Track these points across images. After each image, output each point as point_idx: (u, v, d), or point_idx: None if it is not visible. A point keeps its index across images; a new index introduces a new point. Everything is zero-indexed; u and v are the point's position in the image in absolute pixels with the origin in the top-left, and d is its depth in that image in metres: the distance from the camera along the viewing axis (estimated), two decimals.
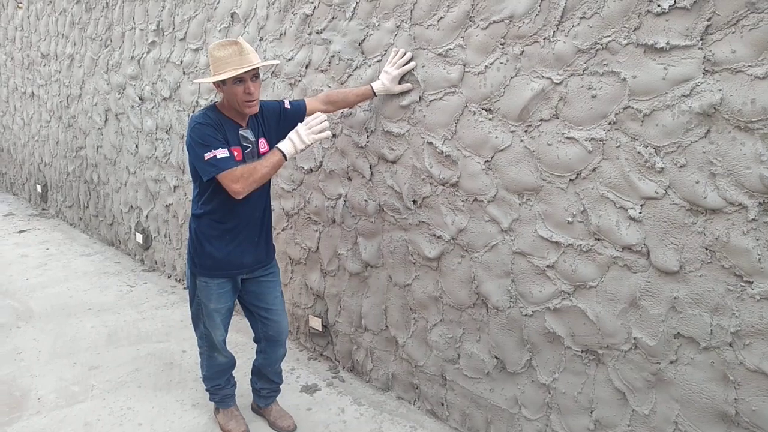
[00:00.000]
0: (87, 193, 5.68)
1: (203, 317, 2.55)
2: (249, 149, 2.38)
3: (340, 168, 3.04)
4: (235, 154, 2.31)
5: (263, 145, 2.45)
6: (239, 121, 2.38)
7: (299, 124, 2.34)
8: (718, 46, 1.73)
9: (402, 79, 2.63)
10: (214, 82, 2.28)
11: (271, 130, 2.53)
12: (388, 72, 2.61)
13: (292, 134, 2.31)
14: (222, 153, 2.22)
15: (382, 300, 2.97)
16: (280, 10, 3.20)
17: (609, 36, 1.95)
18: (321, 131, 2.32)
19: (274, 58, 3.28)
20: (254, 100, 2.30)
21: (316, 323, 3.38)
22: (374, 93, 2.67)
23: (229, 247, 2.44)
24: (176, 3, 4.01)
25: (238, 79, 2.24)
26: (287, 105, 2.59)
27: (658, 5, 1.83)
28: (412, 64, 2.58)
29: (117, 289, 4.45)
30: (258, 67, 2.27)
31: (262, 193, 2.49)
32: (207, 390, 2.77)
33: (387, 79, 2.62)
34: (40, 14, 5.79)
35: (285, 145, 2.29)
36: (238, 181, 2.21)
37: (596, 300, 2.13)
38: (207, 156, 2.22)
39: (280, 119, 2.56)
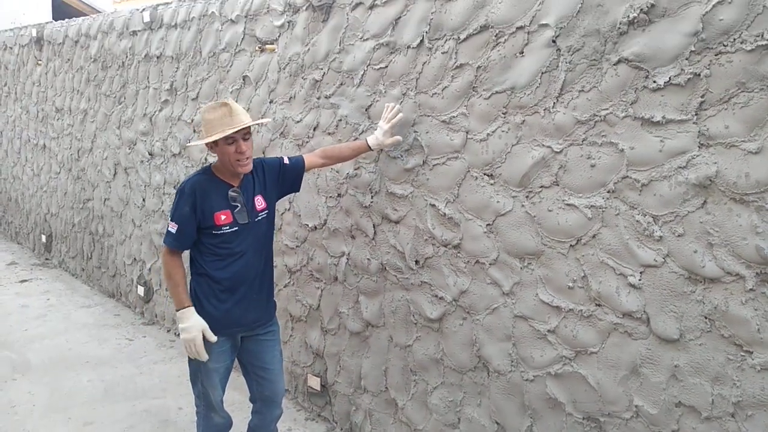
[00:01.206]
0: (91, 244, 5.72)
1: (201, 376, 2.53)
2: (238, 209, 2.45)
3: (344, 226, 3.08)
4: (223, 217, 2.41)
5: (260, 202, 2.52)
6: (231, 182, 2.46)
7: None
8: (712, 122, 1.81)
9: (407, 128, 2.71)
10: (207, 144, 2.37)
11: (271, 187, 2.60)
12: (381, 126, 2.69)
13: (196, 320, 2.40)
14: (172, 227, 2.42)
15: (383, 360, 2.95)
16: (290, 75, 3.33)
17: (607, 109, 2.04)
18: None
19: (283, 120, 3.39)
20: (246, 159, 2.39)
21: (314, 383, 3.35)
22: (369, 147, 2.74)
23: (227, 305, 2.46)
24: (190, 65, 4.16)
25: (231, 139, 2.33)
26: (286, 161, 2.67)
27: (654, 81, 1.92)
28: (400, 116, 2.66)
29: (116, 342, 4.42)
30: (249, 127, 2.37)
31: (260, 251, 2.53)
32: None
33: (379, 133, 2.69)
34: (57, 71, 6.00)
35: (182, 313, 2.41)
36: (163, 259, 2.47)
37: (597, 366, 2.13)
38: (169, 224, 2.43)
39: (279, 175, 2.64)
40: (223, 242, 2.43)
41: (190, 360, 2.56)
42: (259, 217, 2.52)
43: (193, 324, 2.38)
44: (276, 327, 2.68)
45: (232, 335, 2.53)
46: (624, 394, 2.06)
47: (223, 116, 2.32)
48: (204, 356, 2.40)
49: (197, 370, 2.54)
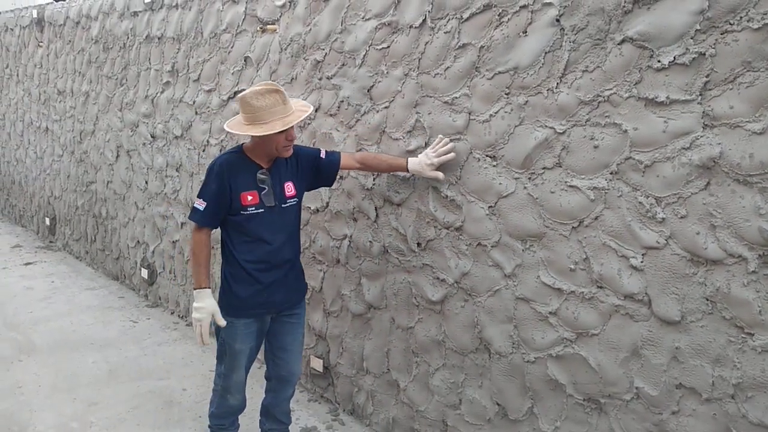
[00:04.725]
0: (95, 227, 5.73)
1: (226, 356, 2.56)
2: (265, 191, 2.44)
3: (346, 209, 3.08)
4: (250, 198, 2.40)
5: (290, 188, 2.51)
6: (262, 164, 2.45)
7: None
8: (717, 102, 1.78)
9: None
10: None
11: (303, 176, 2.59)
12: (428, 156, 2.52)
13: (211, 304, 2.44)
14: (200, 204, 2.42)
15: (385, 342, 2.97)
16: (292, 56, 3.30)
17: (611, 89, 2.01)
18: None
19: None
20: (292, 144, 2.43)
21: (317, 364, 3.37)
22: (407, 168, 2.60)
23: (254, 287, 2.47)
24: (191, 46, 4.13)
25: None
26: (323, 155, 2.63)
27: (658, 61, 1.89)
28: (451, 155, 2.49)
29: (120, 324, 4.45)
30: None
31: (288, 234, 2.54)
32: (209, 426, 2.75)
33: (424, 158, 2.53)
34: (59, 53, 5.97)
35: (198, 292, 2.44)
36: (192, 237, 2.47)
37: (598, 348, 2.13)
38: (196, 201, 2.43)
39: (313, 168, 2.62)
40: (249, 223, 2.43)
41: (217, 336, 2.59)
42: (288, 203, 2.50)
43: (206, 306, 2.41)
44: (302, 310, 2.69)
45: (260, 317, 2.54)
46: (625, 376, 2.06)
47: (276, 104, 2.29)
48: (206, 340, 2.42)
49: (222, 351, 2.57)
